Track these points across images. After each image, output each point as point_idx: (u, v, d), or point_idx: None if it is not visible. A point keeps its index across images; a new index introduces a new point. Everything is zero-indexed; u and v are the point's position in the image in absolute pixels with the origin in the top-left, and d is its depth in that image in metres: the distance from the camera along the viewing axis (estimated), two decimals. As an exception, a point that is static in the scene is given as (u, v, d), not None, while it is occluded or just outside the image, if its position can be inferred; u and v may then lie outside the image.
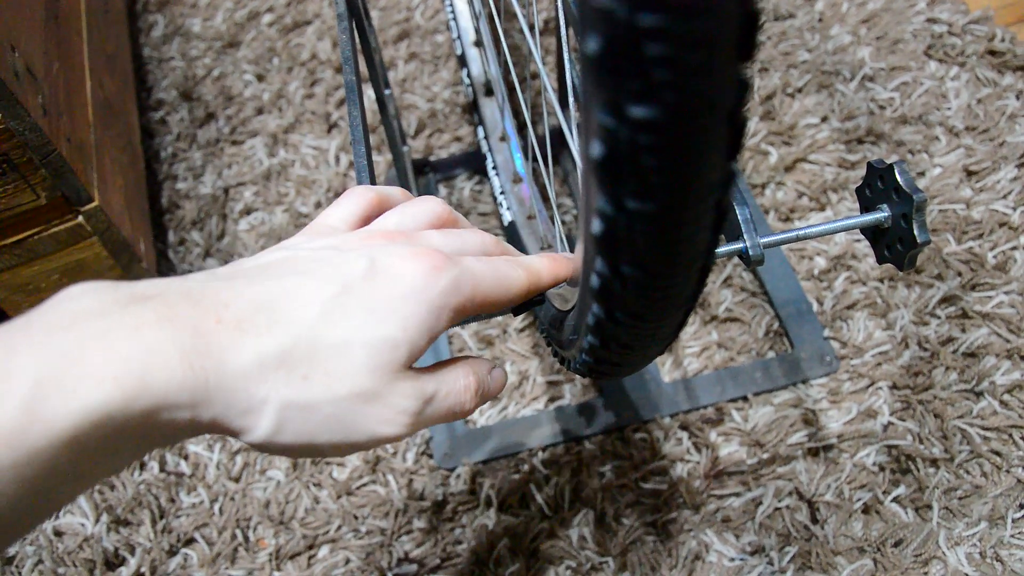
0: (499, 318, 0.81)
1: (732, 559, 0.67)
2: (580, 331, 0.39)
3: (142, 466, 0.76)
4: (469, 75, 0.92)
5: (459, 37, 0.94)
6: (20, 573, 0.71)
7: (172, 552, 0.72)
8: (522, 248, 0.75)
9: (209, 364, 0.27)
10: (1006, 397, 0.71)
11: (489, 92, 0.90)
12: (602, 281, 0.30)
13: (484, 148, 0.87)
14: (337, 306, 0.30)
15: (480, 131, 0.88)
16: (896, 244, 0.44)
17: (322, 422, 0.29)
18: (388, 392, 0.30)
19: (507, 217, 0.80)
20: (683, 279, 0.30)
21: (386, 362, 0.30)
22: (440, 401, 0.33)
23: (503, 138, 0.86)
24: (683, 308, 0.33)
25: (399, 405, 0.31)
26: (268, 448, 0.30)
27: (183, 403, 0.26)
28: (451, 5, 0.96)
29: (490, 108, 0.89)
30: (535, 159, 0.70)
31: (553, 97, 0.46)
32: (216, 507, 0.74)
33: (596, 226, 0.27)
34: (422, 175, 0.93)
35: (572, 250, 0.53)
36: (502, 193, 0.82)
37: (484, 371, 0.35)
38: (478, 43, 0.92)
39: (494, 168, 0.85)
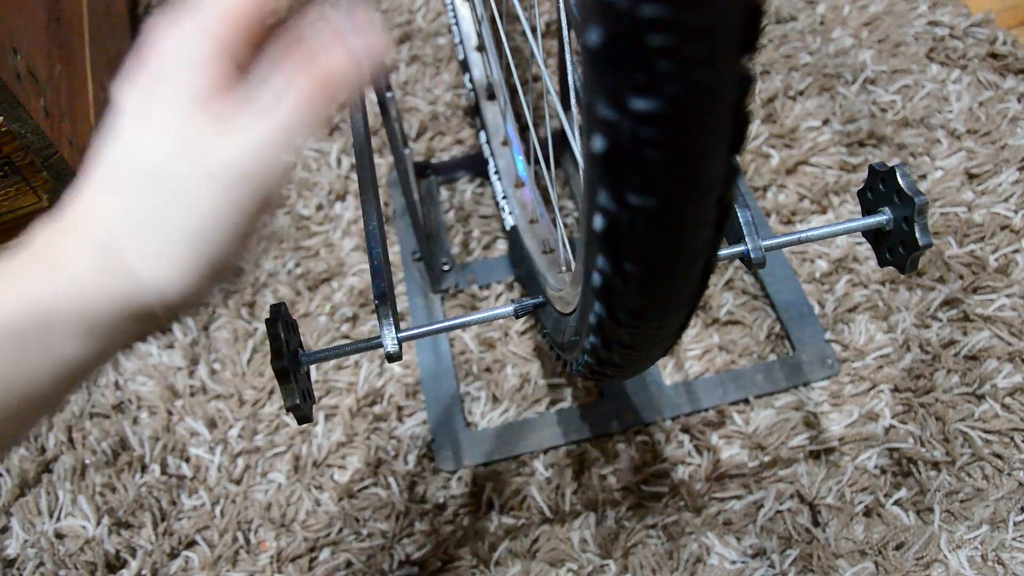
0: (500, 320, 0.80)
1: (733, 562, 0.67)
2: (582, 332, 0.39)
3: (143, 468, 0.76)
4: (471, 79, 0.92)
5: (461, 42, 0.94)
6: (21, 575, 0.71)
7: (173, 554, 0.72)
8: (525, 252, 0.75)
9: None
10: (1008, 400, 0.71)
11: (491, 96, 0.90)
12: (604, 279, 0.30)
13: (486, 152, 0.87)
14: (140, 110, 0.30)
15: (482, 135, 0.88)
16: (898, 247, 0.44)
17: (212, 200, 0.29)
18: (225, 120, 0.29)
19: (509, 221, 0.80)
20: (686, 277, 0.30)
21: (188, 98, 0.29)
22: (294, 81, 0.29)
23: (505, 142, 0.86)
24: (686, 307, 0.33)
25: (249, 120, 0.29)
26: (224, 261, 0.30)
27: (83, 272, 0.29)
28: (453, 9, 0.97)
29: (492, 112, 0.89)
30: (537, 163, 0.70)
31: (555, 99, 0.46)
32: (217, 509, 0.74)
33: (598, 222, 0.26)
34: (424, 177, 0.93)
35: (574, 253, 0.52)
36: (504, 198, 0.82)
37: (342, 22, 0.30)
38: (480, 47, 0.92)
39: (496, 172, 0.85)
